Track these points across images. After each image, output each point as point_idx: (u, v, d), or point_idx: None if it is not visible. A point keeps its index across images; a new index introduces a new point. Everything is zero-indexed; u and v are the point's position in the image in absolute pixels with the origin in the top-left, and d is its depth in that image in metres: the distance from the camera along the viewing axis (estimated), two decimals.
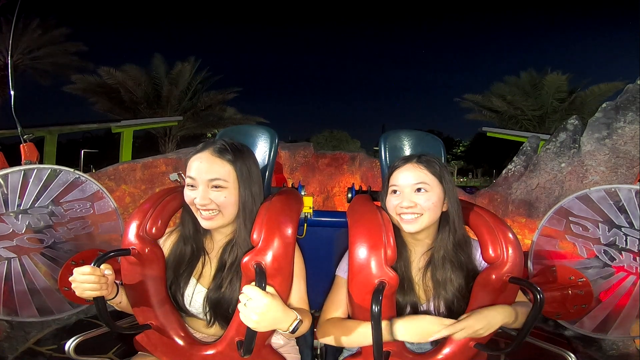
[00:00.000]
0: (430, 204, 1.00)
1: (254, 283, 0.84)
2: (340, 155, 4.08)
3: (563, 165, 3.08)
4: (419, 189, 1.00)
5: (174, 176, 3.32)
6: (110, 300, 0.96)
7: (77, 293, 0.87)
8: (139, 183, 3.47)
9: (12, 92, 2.04)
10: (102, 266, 0.87)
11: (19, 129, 1.94)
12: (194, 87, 13.32)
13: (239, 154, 1.01)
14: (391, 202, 1.04)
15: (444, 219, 1.06)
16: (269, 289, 0.87)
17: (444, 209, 1.05)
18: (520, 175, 3.39)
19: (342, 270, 1.08)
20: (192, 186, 0.98)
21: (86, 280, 0.85)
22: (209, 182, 0.96)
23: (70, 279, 0.87)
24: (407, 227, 1.01)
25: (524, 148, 3.57)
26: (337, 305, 1.05)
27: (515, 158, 3.55)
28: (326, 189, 3.99)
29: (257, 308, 0.80)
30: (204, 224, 0.98)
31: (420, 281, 1.05)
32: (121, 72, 12.43)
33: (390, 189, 1.05)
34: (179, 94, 12.96)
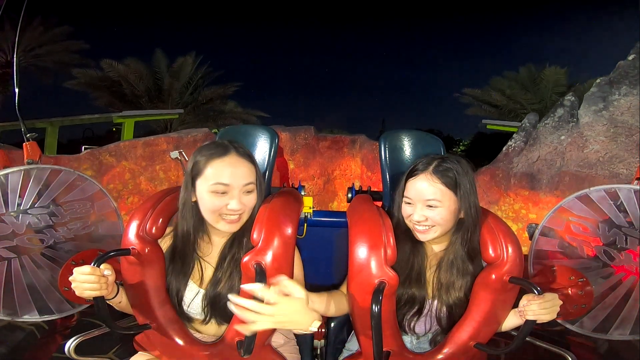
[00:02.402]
0: (439, 218, 0.98)
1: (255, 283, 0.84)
2: (340, 139, 4.09)
3: (563, 137, 3.18)
4: (430, 205, 0.99)
5: (174, 154, 3.34)
6: (110, 300, 0.95)
7: (77, 293, 0.86)
8: (139, 160, 3.46)
9: (16, 90, 2.01)
10: (102, 266, 0.87)
11: (22, 127, 1.92)
12: (195, 81, 13.32)
13: (252, 155, 1.04)
14: (405, 210, 1.03)
15: (459, 225, 1.04)
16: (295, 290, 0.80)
17: (461, 216, 1.02)
18: (520, 150, 3.48)
19: None
20: (223, 193, 0.95)
21: (86, 280, 0.85)
22: (243, 187, 0.96)
23: (70, 278, 0.87)
24: (419, 237, 1.02)
25: (523, 125, 3.65)
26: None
27: (514, 135, 3.63)
28: (327, 171, 4.00)
29: (284, 315, 0.76)
30: (227, 227, 0.98)
31: (430, 278, 1.06)
32: (123, 65, 12.44)
33: (404, 200, 1.04)
34: (180, 87, 12.97)
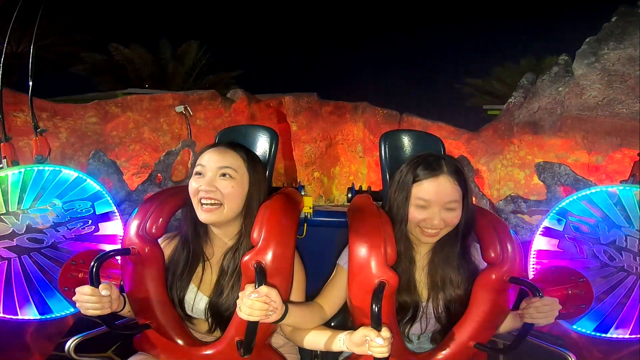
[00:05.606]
0: (457, 220, 0.97)
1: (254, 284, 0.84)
2: (343, 104, 4.14)
3: (560, 89, 3.46)
4: (449, 208, 0.96)
5: (179, 108, 3.44)
6: (118, 312, 0.96)
7: (81, 311, 0.87)
8: (144, 112, 3.54)
9: (30, 83, 1.98)
10: (100, 287, 0.86)
11: (33, 121, 1.90)
12: (199, 68, 13.32)
13: (251, 155, 1.05)
14: (417, 214, 0.97)
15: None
16: None
17: None
18: (520, 104, 3.74)
19: (342, 260, 1.05)
20: (199, 174, 0.97)
21: (88, 301, 0.86)
22: (218, 169, 0.97)
23: (73, 298, 0.87)
24: (426, 240, 0.99)
25: (521, 83, 3.90)
26: (328, 293, 1.04)
27: (514, 93, 3.87)
28: (329, 136, 4.04)
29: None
30: (203, 216, 0.97)
31: (422, 280, 1.05)
32: (129, 49, 12.50)
33: (415, 202, 0.97)
34: (184, 73, 12.99)
